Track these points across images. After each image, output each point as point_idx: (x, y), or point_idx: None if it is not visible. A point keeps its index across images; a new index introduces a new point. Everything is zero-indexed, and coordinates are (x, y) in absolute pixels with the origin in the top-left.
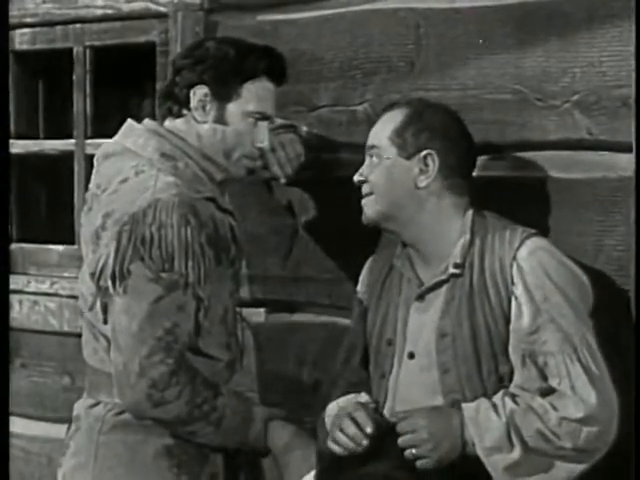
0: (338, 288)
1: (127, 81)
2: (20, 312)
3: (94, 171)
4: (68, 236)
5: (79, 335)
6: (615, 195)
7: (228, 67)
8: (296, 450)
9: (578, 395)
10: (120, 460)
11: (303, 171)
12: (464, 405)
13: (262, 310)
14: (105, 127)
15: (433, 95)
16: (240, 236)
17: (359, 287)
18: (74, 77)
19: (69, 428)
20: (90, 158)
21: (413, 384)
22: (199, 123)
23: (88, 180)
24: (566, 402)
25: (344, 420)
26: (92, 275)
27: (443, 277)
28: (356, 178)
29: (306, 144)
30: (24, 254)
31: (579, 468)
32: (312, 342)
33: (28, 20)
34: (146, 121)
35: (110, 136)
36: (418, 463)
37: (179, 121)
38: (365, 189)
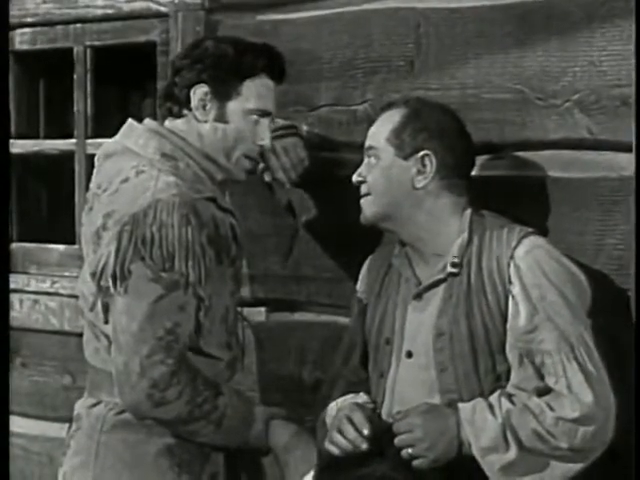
0: (338, 287)
1: (128, 81)
2: (21, 311)
3: (95, 171)
4: (69, 235)
5: (80, 334)
6: (615, 194)
7: (227, 65)
8: (297, 449)
9: (574, 395)
10: (121, 459)
11: (303, 172)
12: (460, 405)
13: (263, 309)
14: (105, 127)
15: (433, 94)
16: (241, 236)
17: (358, 286)
18: (74, 77)
19: (70, 427)
20: (90, 158)
21: (411, 383)
22: (200, 122)
23: (89, 180)
24: (562, 402)
25: (342, 422)
26: (93, 275)
27: (441, 276)
28: (354, 178)
29: (307, 144)
30: (25, 253)
31: (575, 468)
32: (312, 341)
33: (28, 20)
34: (147, 121)
35: (110, 136)
36: (414, 463)
37: (180, 121)
38: (363, 189)
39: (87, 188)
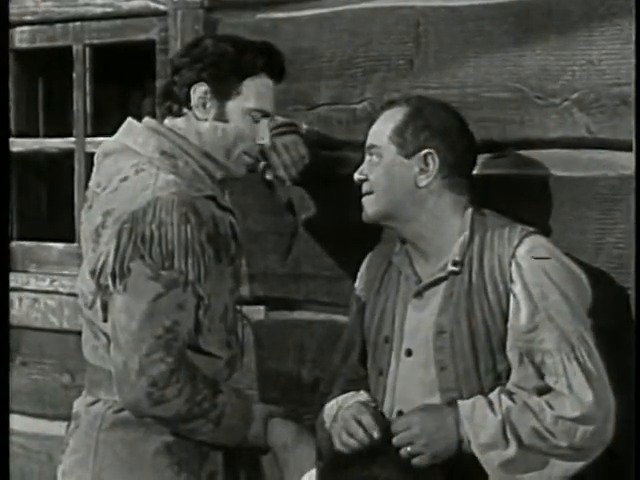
0: (337, 286)
1: (127, 79)
2: (20, 310)
3: (94, 169)
4: (68, 234)
5: (79, 333)
6: (615, 193)
7: (227, 64)
8: (296, 448)
9: (575, 394)
10: (120, 457)
11: (304, 169)
12: (460, 402)
13: (262, 308)
14: (105, 125)
15: (433, 93)
16: (240, 234)
17: (357, 283)
18: (74, 75)
19: (69, 426)
20: (90, 156)
21: (411, 381)
22: (199, 121)
23: (88, 178)
24: (562, 401)
25: (349, 423)
26: (92, 273)
27: (442, 274)
28: (356, 177)
29: (307, 142)
30: (24, 252)
31: (575, 466)
32: (311, 340)
33: (28, 18)
34: (146, 119)
35: (110, 134)
36: (413, 460)
37: (179, 120)
38: (365, 188)
39: (86, 186)
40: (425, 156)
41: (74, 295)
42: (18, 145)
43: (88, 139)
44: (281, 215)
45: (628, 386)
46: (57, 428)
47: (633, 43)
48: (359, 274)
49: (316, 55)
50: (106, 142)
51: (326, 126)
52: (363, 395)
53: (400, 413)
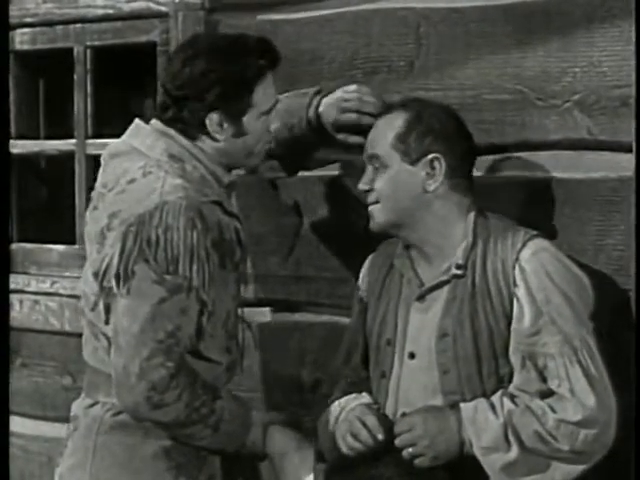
0: (339, 287)
1: (128, 81)
2: (21, 312)
3: (100, 170)
4: (69, 236)
5: (80, 335)
6: (615, 195)
7: (235, 87)
8: (293, 455)
9: (577, 398)
10: (117, 461)
11: (305, 171)
12: (462, 405)
13: (267, 310)
14: (106, 127)
15: (433, 95)
16: (245, 240)
17: (359, 284)
18: (75, 77)
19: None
20: (91, 158)
21: (414, 384)
22: (218, 141)
23: (89, 180)
24: (565, 405)
25: (355, 424)
26: (96, 275)
27: (445, 277)
28: (360, 187)
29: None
30: (25, 254)
31: (577, 469)
32: (313, 341)
33: (28, 20)
34: (154, 121)
35: (111, 136)
36: (415, 462)
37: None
38: (371, 198)
39: (87, 188)
40: (431, 161)
41: (75, 297)
42: (19, 147)
43: (89, 141)
44: (285, 216)
45: (628, 389)
46: (58, 430)
47: (633, 45)
48: (361, 275)
49: (317, 56)
50: (113, 143)
51: None
52: (366, 397)
53: (403, 415)
